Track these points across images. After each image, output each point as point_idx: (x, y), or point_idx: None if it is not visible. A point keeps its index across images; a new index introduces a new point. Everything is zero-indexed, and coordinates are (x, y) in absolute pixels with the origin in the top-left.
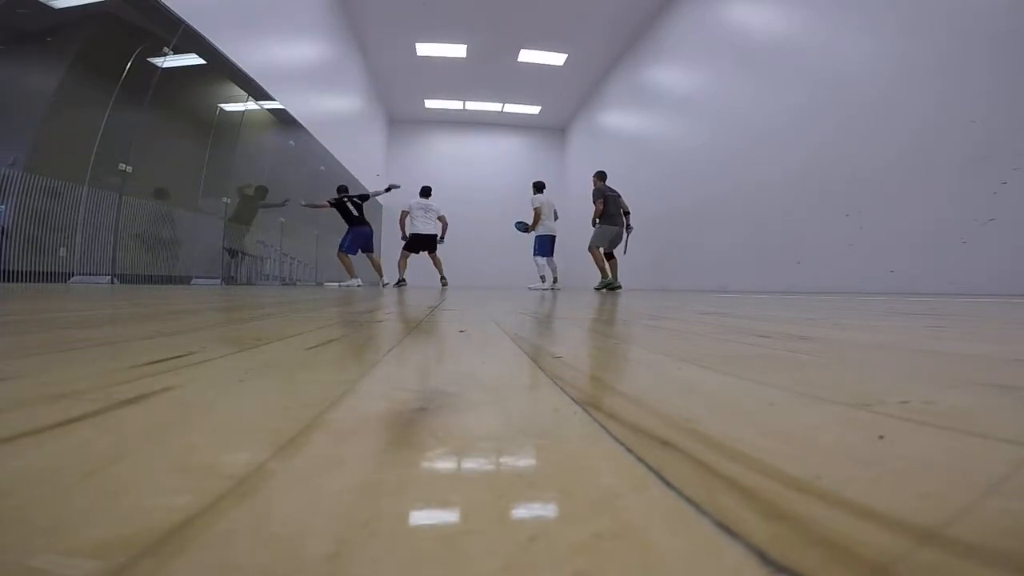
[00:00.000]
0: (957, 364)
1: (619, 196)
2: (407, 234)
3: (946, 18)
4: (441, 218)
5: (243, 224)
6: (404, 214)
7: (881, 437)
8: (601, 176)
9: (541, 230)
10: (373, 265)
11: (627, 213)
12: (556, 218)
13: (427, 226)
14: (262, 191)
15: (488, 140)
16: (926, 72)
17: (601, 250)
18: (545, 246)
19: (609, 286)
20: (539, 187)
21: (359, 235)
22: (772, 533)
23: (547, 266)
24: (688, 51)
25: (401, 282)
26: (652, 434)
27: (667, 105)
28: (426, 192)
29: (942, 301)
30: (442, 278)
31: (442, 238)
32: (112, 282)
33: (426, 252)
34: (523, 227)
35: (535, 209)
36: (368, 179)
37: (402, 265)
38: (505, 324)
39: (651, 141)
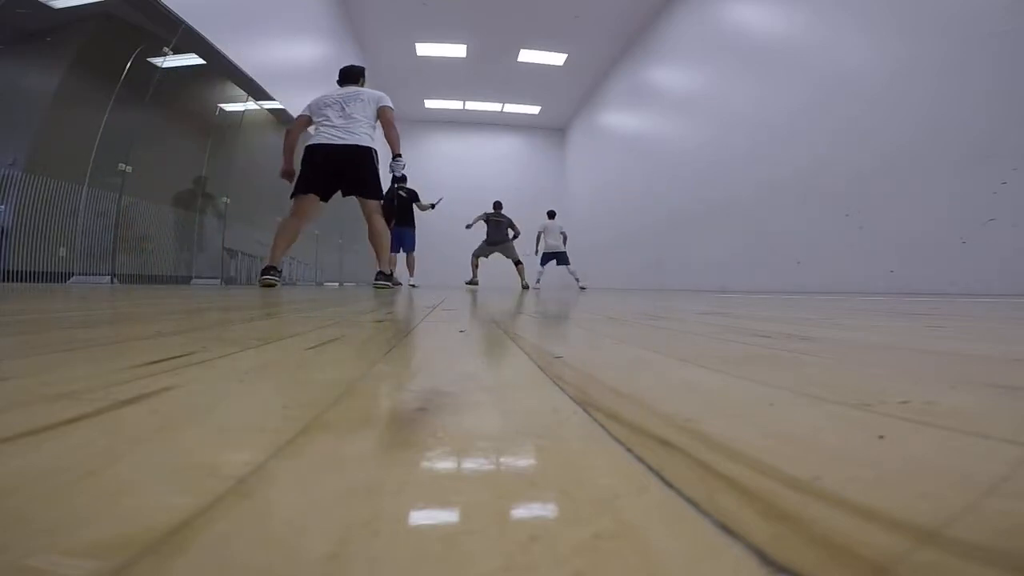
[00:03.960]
0: (957, 364)
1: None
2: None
3: (946, 18)
4: (385, 110)
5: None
6: (301, 124)
7: (881, 437)
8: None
9: (543, 247)
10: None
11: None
12: (565, 239)
13: (349, 133)
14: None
15: (488, 140)
16: (926, 72)
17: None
18: (543, 259)
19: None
20: (550, 215)
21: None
22: (772, 533)
23: (542, 272)
24: (688, 51)
25: (271, 273)
26: (652, 434)
27: (667, 105)
28: (350, 76)
29: (942, 301)
30: (376, 276)
31: (397, 155)
32: (112, 282)
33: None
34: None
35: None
36: None
37: (291, 233)
38: (505, 324)
39: (651, 141)
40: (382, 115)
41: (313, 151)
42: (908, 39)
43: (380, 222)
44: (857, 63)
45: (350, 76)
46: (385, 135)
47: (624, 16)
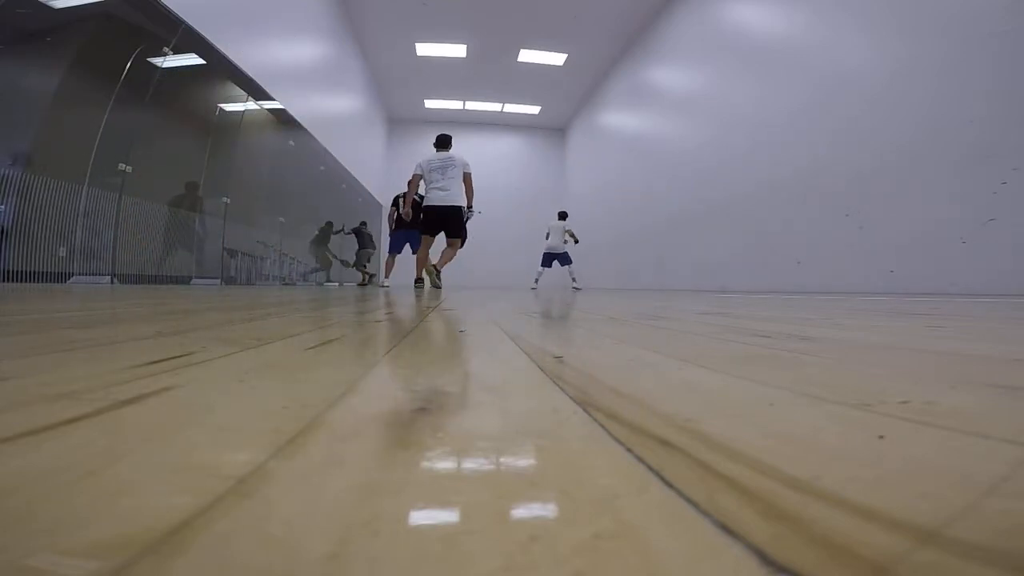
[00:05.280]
0: (957, 364)
1: None
2: (408, 209)
3: (946, 18)
4: (468, 176)
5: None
6: (414, 181)
7: (881, 437)
8: None
9: (544, 247)
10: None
11: None
12: (566, 240)
13: (445, 193)
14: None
15: (488, 140)
16: (926, 72)
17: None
18: (544, 259)
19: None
20: (561, 215)
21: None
22: (772, 533)
23: (541, 272)
24: (688, 51)
25: (419, 283)
26: (652, 434)
27: (667, 105)
28: (443, 142)
29: (942, 301)
30: (427, 269)
31: (470, 206)
32: (112, 282)
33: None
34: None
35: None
36: (366, 179)
37: (423, 257)
38: (505, 324)
39: (651, 141)
40: (466, 178)
41: (429, 210)
42: (908, 39)
43: (457, 247)
44: (857, 63)
45: (445, 143)
46: (466, 191)
47: (624, 16)
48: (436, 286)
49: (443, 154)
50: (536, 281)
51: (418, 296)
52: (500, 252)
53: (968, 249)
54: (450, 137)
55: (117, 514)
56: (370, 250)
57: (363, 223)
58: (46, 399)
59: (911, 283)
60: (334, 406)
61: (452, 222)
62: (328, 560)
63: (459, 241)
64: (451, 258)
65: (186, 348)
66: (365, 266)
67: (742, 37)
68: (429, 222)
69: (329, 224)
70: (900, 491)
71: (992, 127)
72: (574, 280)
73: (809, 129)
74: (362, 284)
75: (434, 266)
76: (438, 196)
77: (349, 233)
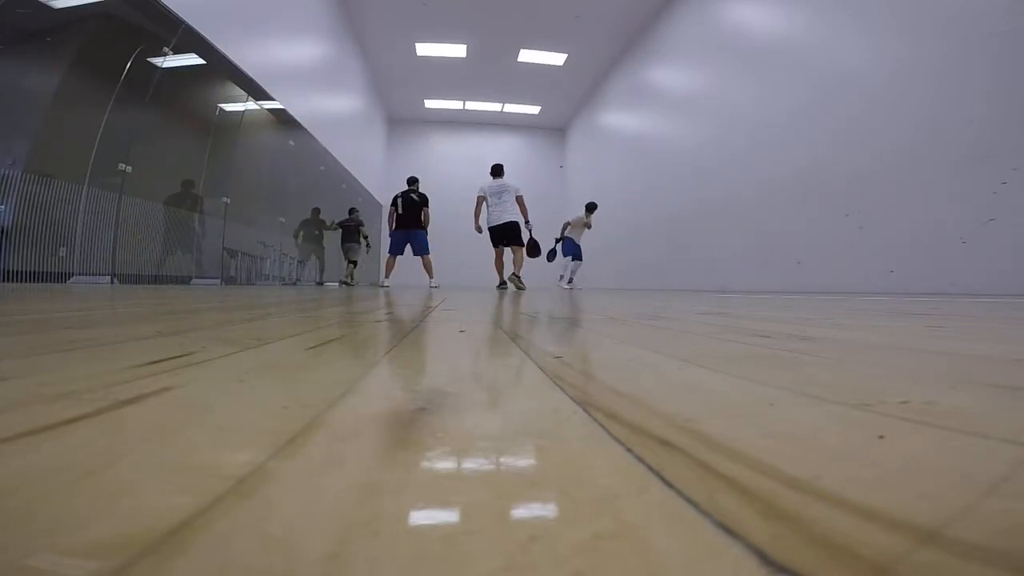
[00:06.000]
0: (957, 364)
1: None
2: (479, 226)
3: (946, 18)
4: (520, 198)
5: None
6: (479, 201)
7: (881, 437)
8: None
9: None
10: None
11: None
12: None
13: (504, 213)
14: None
15: (488, 140)
16: (926, 72)
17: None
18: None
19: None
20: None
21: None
22: (772, 533)
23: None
24: (688, 51)
25: (502, 285)
26: (652, 434)
27: (667, 105)
28: (497, 171)
29: (942, 301)
30: (510, 277)
31: (527, 221)
32: (112, 282)
33: (508, 247)
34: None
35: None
36: (366, 179)
37: (498, 265)
38: (505, 324)
39: (651, 141)
40: (518, 200)
41: (492, 229)
42: (908, 39)
43: (522, 252)
44: (857, 63)
45: (499, 171)
46: (520, 210)
47: (624, 16)
48: (520, 288)
49: (498, 181)
50: (564, 278)
51: (501, 296)
52: None
53: (968, 249)
54: (502, 166)
55: (117, 514)
56: (354, 245)
57: (352, 210)
58: (46, 399)
59: (911, 283)
60: (334, 406)
61: (510, 234)
62: (328, 560)
63: (522, 248)
64: (521, 262)
65: (186, 348)
66: (349, 264)
67: (742, 37)
68: (493, 237)
69: (316, 210)
70: (900, 491)
71: (992, 127)
72: (571, 279)
73: (809, 129)
74: (345, 283)
75: (514, 274)
76: (496, 216)
77: (336, 228)
